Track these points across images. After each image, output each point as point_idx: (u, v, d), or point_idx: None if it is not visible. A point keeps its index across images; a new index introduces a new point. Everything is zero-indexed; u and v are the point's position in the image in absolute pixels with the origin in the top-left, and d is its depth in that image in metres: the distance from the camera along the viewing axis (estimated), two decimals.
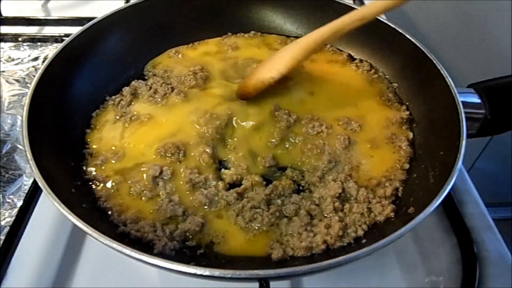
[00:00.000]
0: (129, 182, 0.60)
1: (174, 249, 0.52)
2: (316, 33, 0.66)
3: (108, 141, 0.65)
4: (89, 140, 0.66)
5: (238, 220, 0.56)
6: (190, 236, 0.55)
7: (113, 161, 0.62)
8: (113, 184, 0.60)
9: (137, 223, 0.55)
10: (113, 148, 0.64)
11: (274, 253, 0.52)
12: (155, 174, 0.60)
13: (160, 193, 0.59)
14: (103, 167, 0.62)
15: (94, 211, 0.56)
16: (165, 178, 0.60)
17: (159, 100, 0.71)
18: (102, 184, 0.60)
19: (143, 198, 0.58)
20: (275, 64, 0.68)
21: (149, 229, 0.54)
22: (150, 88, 0.73)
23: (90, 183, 0.60)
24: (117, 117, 0.69)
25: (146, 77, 0.77)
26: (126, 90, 0.73)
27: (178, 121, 0.67)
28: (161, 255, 0.50)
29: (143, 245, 0.52)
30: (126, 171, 0.61)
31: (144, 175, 0.60)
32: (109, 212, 0.56)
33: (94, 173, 0.61)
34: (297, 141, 0.65)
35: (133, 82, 0.74)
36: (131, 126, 0.67)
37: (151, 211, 0.57)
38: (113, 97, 0.72)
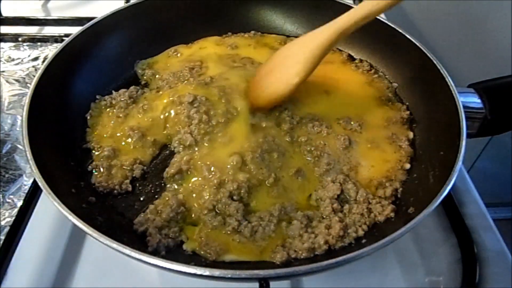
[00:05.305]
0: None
1: (168, 246, 0.52)
2: (330, 28, 0.61)
3: (107, 140, 0.65)
4: (89, 139, 0.66)
5: (237, 238, 0.54)
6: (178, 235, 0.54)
7: (108, 156, 0.63)
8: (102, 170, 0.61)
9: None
10: (111, 147, 0.64)
11: (277, 256, 0.52)
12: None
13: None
14: (99, 160, 0.63)
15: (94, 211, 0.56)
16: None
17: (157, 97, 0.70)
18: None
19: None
20: (288, 74, 0.63)
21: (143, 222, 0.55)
22: (148, 86, 0.73)
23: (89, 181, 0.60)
24: (117, 117, 0.69)
25: (144, 76, 0.77)
26: (125, 89, 0.72)
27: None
28: (159, 254, 0.50)
29: (137, 239, 0.52)
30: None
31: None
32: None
33: (90, 166, 0.62)
34: (300, 141, 0.65)
35: (131, 88, 0.73)
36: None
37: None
38: (113, 96, 0.72)
